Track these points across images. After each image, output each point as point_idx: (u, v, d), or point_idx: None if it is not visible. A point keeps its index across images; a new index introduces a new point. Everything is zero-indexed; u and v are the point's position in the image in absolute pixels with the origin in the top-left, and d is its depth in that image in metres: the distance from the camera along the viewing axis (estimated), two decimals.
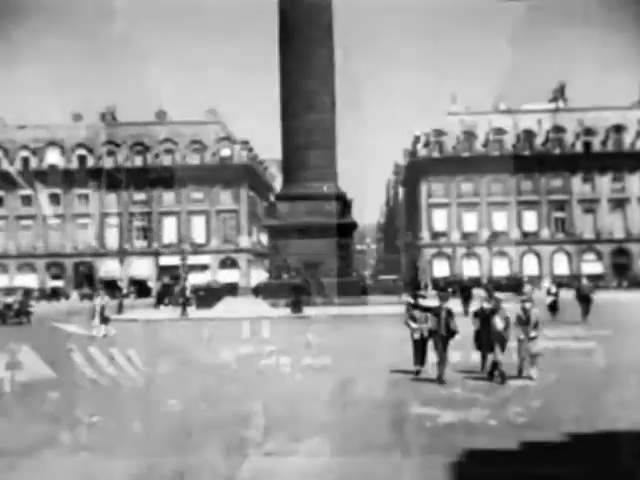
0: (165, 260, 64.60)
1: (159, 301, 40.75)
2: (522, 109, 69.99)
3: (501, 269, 63.20)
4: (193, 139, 67.99)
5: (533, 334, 11.81)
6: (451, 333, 11.86)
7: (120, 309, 34.85)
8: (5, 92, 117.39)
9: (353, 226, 40.98)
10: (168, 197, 67.04)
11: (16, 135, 69.10)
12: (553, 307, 25.06)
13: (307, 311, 31.14)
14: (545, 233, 65.67)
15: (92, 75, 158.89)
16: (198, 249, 64.93)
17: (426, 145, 67.78)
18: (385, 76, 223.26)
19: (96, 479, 7.44)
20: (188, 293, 36.21)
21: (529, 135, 66.77)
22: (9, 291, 34.90)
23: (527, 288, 29.59)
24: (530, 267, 64.48)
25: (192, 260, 63.82)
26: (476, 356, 12.96)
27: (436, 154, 66.96)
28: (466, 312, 26.25)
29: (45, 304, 54.12)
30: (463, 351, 12.31)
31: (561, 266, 65.01)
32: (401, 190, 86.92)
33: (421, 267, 65.57)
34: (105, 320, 22.66)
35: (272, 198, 54.19)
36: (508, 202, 65.74)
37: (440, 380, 11.57)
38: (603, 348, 16.28)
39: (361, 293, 38.86)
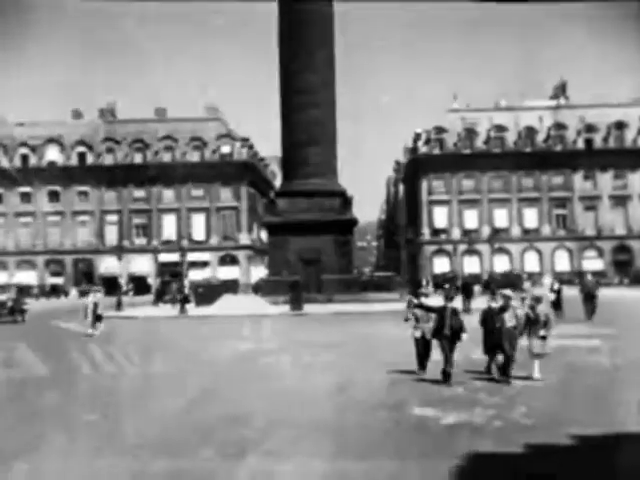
0: (165, 257, 64.40)
1: (158, 298, 40.53)
2: (523, 106, 69.78)
3: (502, 266, 63.02)
4: (193, 136, 67.75)
5: (542, 333, 11.50)
6: (458, 335, 11.45)
7: (119, 306, 34.70)
8: (4, 89, 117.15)
9: (353, 223, 40.61)
10: (168, 194, 66.84)
11: (15, 132, 68.86)
12: (556, 305, 24.74)
13: (307, 308, 30.91)
14: (546, 230, 65.47)
15: (92, 74, 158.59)
16: (198, 246, 64.79)
17: (427, 142, 67.56)
18: (385, 74, 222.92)
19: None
20: (187, 290, 36.02)
21: (530, 132, 66.54)
22: (2, 289, 34.43)
23: (526, 285, 29.34)
24: (531, 264, 64.32)
25: (192, 257, 63.84)
26: (478, 355, 12.72)
27: (437, 151, 66.75)
28: (467, 309, 26.07)
29: (44, 301, 54.02)
30: (465, 350, 12.01)
31: (562, 263, 64.89)
32: (402, 187, 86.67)
33: (421, 264, 65.36)
34: (98, 318, 22.36)
35: (272, 195, 53.90)
36: (509, 199, 65.57)
37: (446, 380, 11.27)
38: (609, 346, 16.06)
39: (361, 290, 38.62)
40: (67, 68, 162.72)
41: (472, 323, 12.24)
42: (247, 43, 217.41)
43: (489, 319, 11.61)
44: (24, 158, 68.04)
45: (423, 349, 12.21)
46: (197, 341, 20.35)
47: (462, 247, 64.67)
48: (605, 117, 65.99)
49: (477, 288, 36.15)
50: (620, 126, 65.92)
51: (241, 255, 66.51)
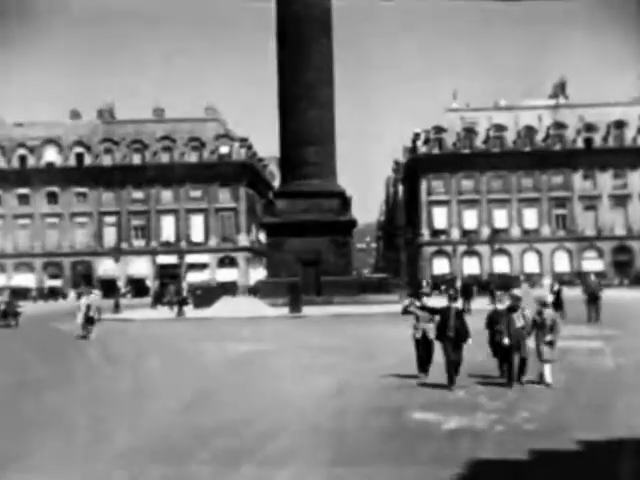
0: (163, 259, 64.21)
1: (156, 301, 40.19)
2: (522, 105, 69.59)
3: (502, 267, 62.83)
4: (191, 136, 67.52)
5: (549, 338, 11.24)
6: (463, 337, 11.15)
7: (117, 308, 34.46)
8: (3, 90, 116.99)
9: (352, 224, 40.30)
10: (166, 195, 66.59)
11: (13, 133, 68.62)
12: (556, 306, 24.46)
13: (306, 310, 30.66)
14: (546, 230, 65.27)
15: (92, 75, 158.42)
16: (196, 248, 64.56)
17: (426, 142, 67.36)
18: (385, 73, 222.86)
19: None
20: (184, 292, 35.77)
21: (530, 131, 66.35)
22: None
23: (523, 287, 28.69)
24: (531, 265, 64.10)
25: (191, 259, 63.65)
26: (481, 356, 12.49)
27: (436, 151, 66.55)
28: (467, 310, 25.86)
29: (42, 304, 53.78)
30: (468, 353, 11.72)
31: (562, 263, 64.69)
32: (401, 187, 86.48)
33: (421, 265, 65.09)
34: (89, 320, 22.06)
35: (271, 195, 53.65)
36: (508, 199, 65.36)
37: (450, 384, 10.99)
38: (612, 348, 15.84)
39: (361, 292, 38.29)
40: (66, 69, 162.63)
41: (472, 323, 12.00)
42: (247, 43, 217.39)
43: (496, 321, 11.39)
44: (22, 159, 67.80)
45: (424, 351, 11.72)
46: (194, 344, 20.11)
47: (462, 248, 64.47)
48: (605, 116, 65.79)
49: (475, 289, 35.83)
50: (620, 125, 65.75)
51: (240, 257, 66.24)
